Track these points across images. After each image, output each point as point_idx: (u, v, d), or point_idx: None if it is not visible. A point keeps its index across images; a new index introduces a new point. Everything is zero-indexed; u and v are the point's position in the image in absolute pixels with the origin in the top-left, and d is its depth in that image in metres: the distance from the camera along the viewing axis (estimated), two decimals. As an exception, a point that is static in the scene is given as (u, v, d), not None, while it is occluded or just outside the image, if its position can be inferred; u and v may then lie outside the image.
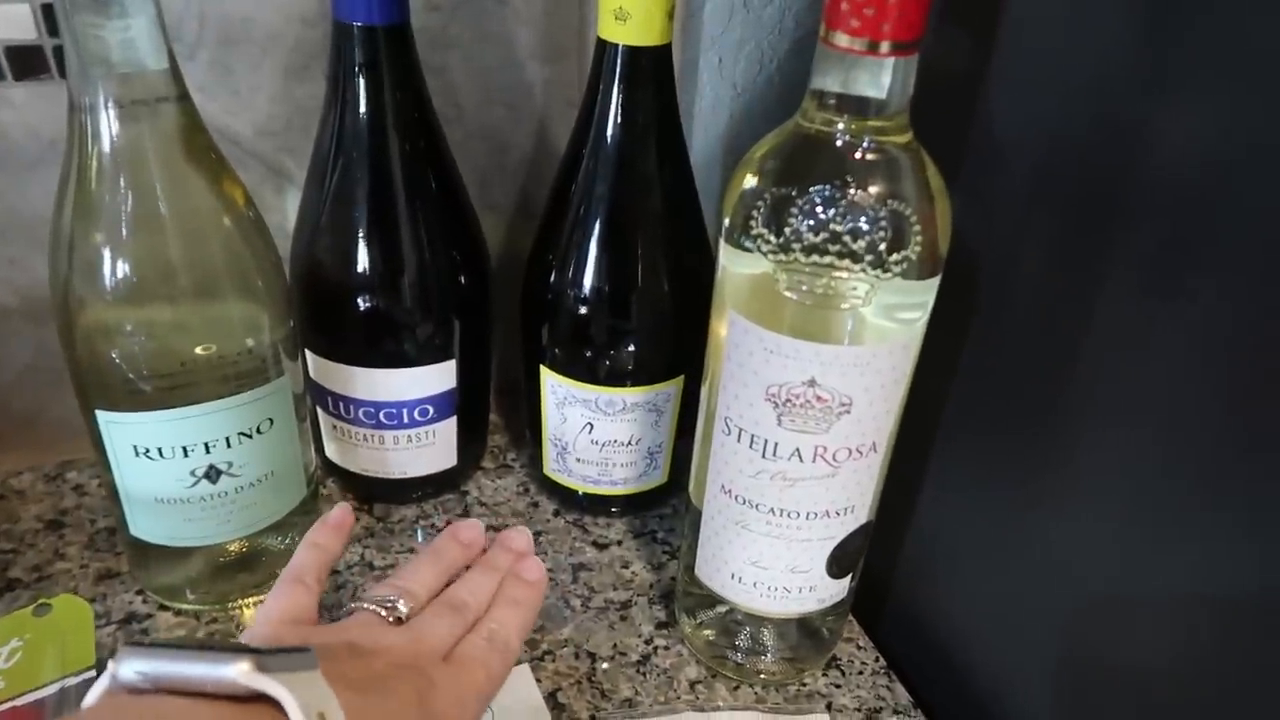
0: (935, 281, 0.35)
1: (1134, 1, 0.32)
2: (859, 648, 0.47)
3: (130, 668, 0.26)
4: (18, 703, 0.34)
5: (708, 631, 0.46)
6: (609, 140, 0.45)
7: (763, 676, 0.45)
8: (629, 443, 0.50)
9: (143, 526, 0.44)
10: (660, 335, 0.48)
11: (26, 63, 0.45)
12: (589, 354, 0.48)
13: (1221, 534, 0.31)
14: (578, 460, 0.51)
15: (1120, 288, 0.33)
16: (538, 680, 0.44)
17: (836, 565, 0.41)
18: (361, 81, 0.43)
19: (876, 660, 0.47)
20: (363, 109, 0.44)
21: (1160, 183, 0.31)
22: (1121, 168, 0.33)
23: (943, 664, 0.46)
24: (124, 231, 0.38)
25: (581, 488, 0.52)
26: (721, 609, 0.45)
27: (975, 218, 0.39)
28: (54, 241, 0.39)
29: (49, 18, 0.44)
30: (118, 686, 0.26)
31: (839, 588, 0.42)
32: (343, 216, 0.46)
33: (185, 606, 0.46)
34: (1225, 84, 0.29)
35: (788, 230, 0.33)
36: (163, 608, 0.46)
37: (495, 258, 0.56)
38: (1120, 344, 0.34)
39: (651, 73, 0.44)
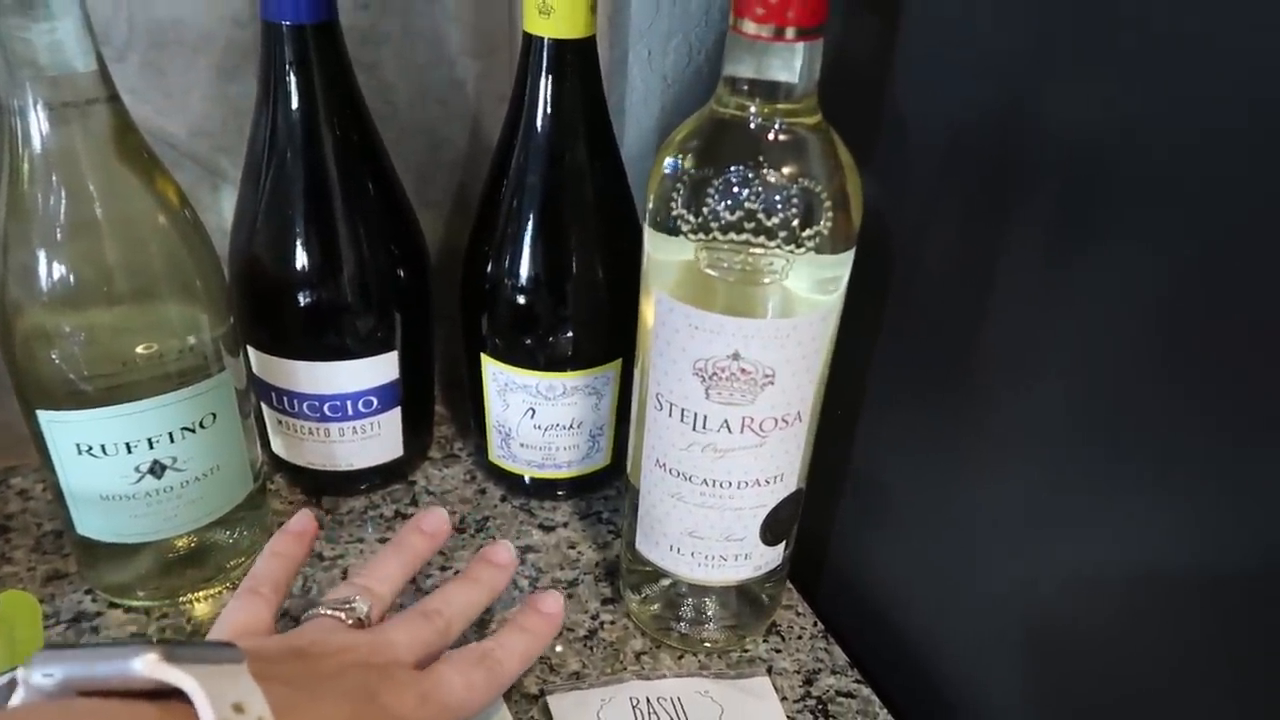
0: (849, 255, 0.37)
1: (1019, -15, 0.34)
2: (798, 614, 0.49)
3: (40, 672, 0.25)
4: (-34, 697, 0.34)
5: (652, 606, 0.47)
6: (538, 132, 0.46)
7: (706, 645, 0.47)
8: (571, 426, 0.51)
9: (89, 525, 0.44)
10: (596, 320, 0.49)
11: (-46, 68, 0.45)
12: (527, 341, 0.49)
13: (1132, 490, 0.33)
14: (521, 445, 0.52)
15: (1022, 255, 0.35)
16: (488, 659, 0.45)
17: (770, 533, 0.43)
18: (292, 80, 0.44)
19: (815, 625, 0.49)
20: (294, 107, 0.45)
21: (1054, 154, 0.33)
22: (1018, 141, 0.35)
23: (878, 625, 0.48)
24: (58, 234, 0.38)
25: (527, 472, 0.54)
26: (665, 582, 0.46)
27: (888, 193, 0.41)
28: (-13, 246, 0.39)
29: (-26, 23, 0.44)
30: (33, 693, 0.26)
31: (774, 555, 0.44)
32: (279, 214, 0.47)
33: (135, 603, 0.47)
34: (1112, 60, 0.31)
35: (705, 210, 0.35)
36: (112, 605, 0.47)
37: (435, 252, 0.57)
38: (1025, 308, 0.36)
39: (577, 65, 0.45)
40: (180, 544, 0.47)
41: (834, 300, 0.38)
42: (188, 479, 0.44)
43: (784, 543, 0.44)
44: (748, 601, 0.47)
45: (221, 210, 0.51)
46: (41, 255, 0.38)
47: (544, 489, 0.55)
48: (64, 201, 0.38)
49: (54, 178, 0.38)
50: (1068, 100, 0.33)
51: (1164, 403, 0.31)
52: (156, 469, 0.43)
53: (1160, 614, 0.33)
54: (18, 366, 0.41)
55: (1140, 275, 0.31)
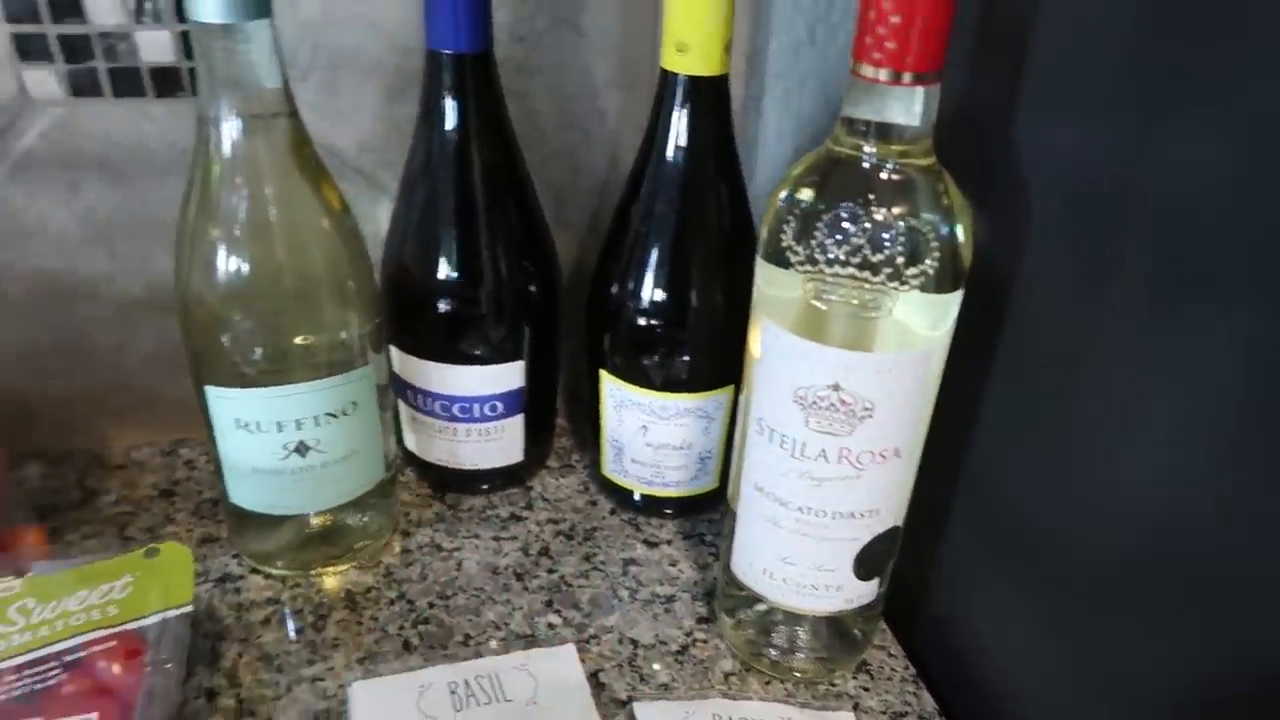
0: (957, 295, 0.38)
1: (1143, 34, 0.34)
2: (890, 654, 0.49)
3: None
4: (127, 627, 0.39)
5: (746, 630, 0.48)
6: (668, 163, 0.48)
7: (795, 674, 0.47)
8: (681, 446, 0.53)
9: (241, 494, 0.49)
10: (712, 346, 0.51)
11: (166, 82, 0.51)
12: (645, 361, 0.51)
13: (1238, 556, 0.32)
14: (633, 461, 0.55)
15: (1132, 304, 0.35)
16: (582, 660, 0.47)
17: (863, 567, 0.43)
18: (448, 104, 0.48)
19: (906, 668, 0.48)
20: (449, 129, 0.49)
21: (1168, 206, 0.33)
22: (1133, 191, 0.34)
23: (970, 677, 0.47)
24: (236, 231, 0.43)
25: (637, 488, 0.56)
26: (760, 608, 0.47)
27: (1002, 236, 0.41)
28: (178, 239, 0.44)
29: (186, 43, 0.50)
30: None
31: (866, 590, 0.44)
32: (428, 227, 0.51)
33: (274, 571, 0.51)
34: (1229, 116, 0.31)
35: (814, 243, 0.36)
36: (254, 571, 0.52)
37: (569, 271, 0.60)
38: (1134, 358, 0.35)
39: (710, 101, 0.47)
40: (317, 522, 0.51)
41: (939, 338, 0.38)
42: (327, 460, 0.48)
43: (878, 579, 0.44)
44: (840, 635, 0.47)
45: (379, 220, 0.56)
46: (221, 250, 0.43)
47: (652, 506, 0.57)
48: (244, 203, 0.43)
49: (238, 181, 0.43)
50: (1184, 153, 0.32)
51: (1267, 464, 0.30)
52: (301, 448, 0.47)
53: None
54: (193, 346, 0.46)
55: (1250, 335, 0.30)
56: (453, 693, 0.43)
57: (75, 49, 0.50)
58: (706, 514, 0.57)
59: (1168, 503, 0.35)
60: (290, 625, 0.48)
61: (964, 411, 0.45)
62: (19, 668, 0.38)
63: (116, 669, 0.38)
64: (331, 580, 0.51)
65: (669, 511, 0.57)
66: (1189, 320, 0.33)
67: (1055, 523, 0.41)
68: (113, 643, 0.39)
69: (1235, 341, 0.31)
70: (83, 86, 0.51)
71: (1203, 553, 0.33)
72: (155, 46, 0.51)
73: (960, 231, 0.37)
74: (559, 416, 0.64)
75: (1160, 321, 0.34)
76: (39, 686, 0.37)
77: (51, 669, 0.38)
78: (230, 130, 0.42)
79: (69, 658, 0.38)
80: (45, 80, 0.50)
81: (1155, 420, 0.35)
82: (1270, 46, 0.29)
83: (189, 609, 0.41)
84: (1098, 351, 0.37)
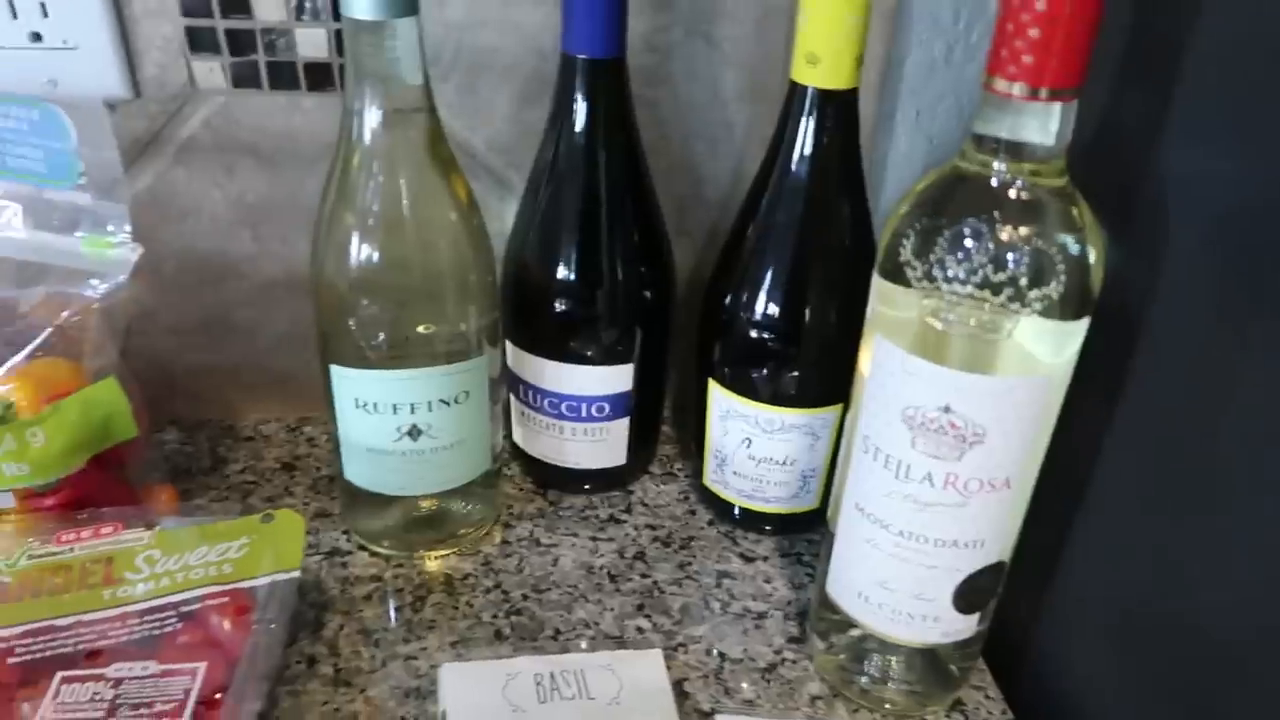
0: (1082, 323, 0.36)
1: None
2: (987, 696, 0.47)
3: None
4: (240, 586, 0.42)
5: (838, 655, 0.47)
6: (791, 175, 0.48)
7: (886, 705, 0.46)
8: (784, 462, 0.53)
9: (355, 472, 0.51)
10: (822, 363, 0.50)
11: (318, 77, 0.54)
12: (753, 373, 0.51)
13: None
14: (735, 473, 0.54)
15: (1275, 343, 0.33)
16: (668, 667, 0.47)
17: (963, 600, 0.41)
18: (579, 107, 0.49)
19: (1004, 713, 0.46)
20: (577, 132, 0.50)
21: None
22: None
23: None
24: (370, 220, 0.45)
25: (737, 501, 0.55)
26: (854, 634, 0.46)
27: (1140, 263, 0.39)
28: (316, 225, 0.47)
29: (339, 40, 0.53)
30: None
31: (965, 624, 0.43)
32: (549, 227, 0.52)
33: (380, 550, 0.53)
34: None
35: (932, 259, 0.35)
36: (361, 548, 0.54)
37: (685, 279, 0.61)
38: (1274, 403, 0.33)
39: (838, 115, 0.47)
40: (424, 505, 0.53)
41: (1060, 366, 0.37)
42: (437, 446, 0.49)
43: (978, 614, 0.43)
44: (936, 669, 0.46)
45: (505, 218, 0.57)
46: (354, 236, 0.45)
47: (751, 521, 0.56)
48: (378, 192, 0.45)
49: (374, 171, 0.45)
50: None
51: None
52: (414, 432, 0.49)
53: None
54: (322, 326, 0.48)
55: None
56: (538, 684, 0.44)
57: (240, 43, 0.53)
58: (806, 533, 0.56)
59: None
60: (391, 603, 0.50)
61: (1088, 447, 0.43)
62: (141, 613, 0.40)
63: (226, 624, 0.40)
64: (433, 564, 0.53)
65: (768, 528, 0.56)
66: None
67: (1183, 583, 0.39)
68: (225, 599, 0.41)
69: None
70: (243, 78, 0.54)
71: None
72: (311, 43, 0.54)
73: (1091, 256, 0.35)
74: (665, 424, 0.64)
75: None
76: (157, 632, 0.40)
77: (169, 617, 0.40)
78: (371, 122, 0.44)
79: (185, 609, 0.40)
80: (211, 71, 0.54)
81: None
82: None
83: (296, 574, 0.43)
84: (1243, 393, 0.35)
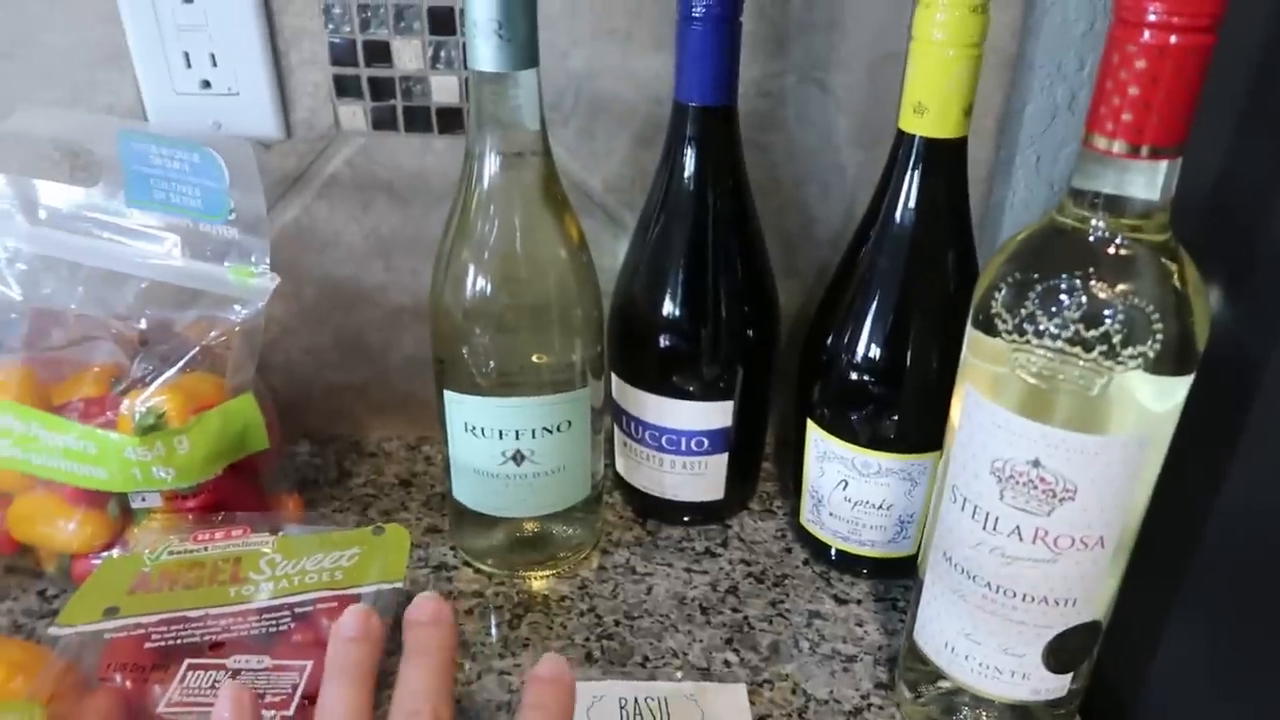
0: (1182, 381, 0.35)
1: None
2: (1082, 759, 0.45)
3: None
4: (349, 592, 0.45)
5: (928, 707, 0.46)
6: (896, 222, 0.48)
7: (972, 755, 0.45)
8: (880, 506, 0.52)
9: (462, 492, 0.54)
10: (921, 409, 0.50)
11: (449, 120, 0.58)
12: (852, 415, 0.51)
13: None
14: (830, 514, 0.54)
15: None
16: (752, 703, 0.47)
17: (1054, 658, 0.41)
18: (689, 152, 0.51)
19: (1099, 778, 0.45)
20: (686, 175, 0.52)
21: None
22: None
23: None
24: (486, 255, 0.48)
25: (833, 543, 0.55)
26: (945, 686, 0.45)
27: (1253, 324, 0.38)
28: (437, 257, 0.50)
29: (468, 87, 0.57)
30: None
31: (1057, 684, 0.42)
32: (656, 265, 0.54)
33: (484, 568, 0.56)
34: None
35: (1023, 312, 0.35)
36: (466, 565, 0.56)
37: (792, 318, 0.61)
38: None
39: (945, 164, 0.47)
40: (527, 527, 0.55)
41: (1158, 424, 0.36)
42: (539, 471, 0.52)
43: (1071, 674, 0.42)
44: (1026, 729, 0.44)
45: (618, 254, 0.59)
46: (471, 270, 0.48)
47: (847, 563, 0.56)
48: (494, 229, 0.48)
49: (491, 210, 0.47)
50: None
51: None
52: (518, 457, 0.51)
53: None
54: (438, 353, 0.51)
55: None
56: (621, 707, 0.45)
57: (380, 89, 0.58)
58: (903, 579, 0.56)
59: None
60: (490, 619, 0.52)
61: (1198, 510, 0.41)
62: (261, 611, 0.44)
63: (335, 627, 0.43)
64: (532, 584, 0.55)
65: (864, 570, 0.56)
66: None
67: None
68: (335, 603, 0.44)
69: None
70: (382, 121, 0.58)
71: None
72: (444, 89, 0.57)
73: (1192, 312, 0.34)
74: (767, 461, 0.65)
75: None
76: (272, 630, 0.43)
77: (283, 617, 0.43)
78: (491, 164, 0.47)
79: (299, 610, 0.44)
80: (355, 114, 0.58)
81: None
82: None
83: (400, 585, 0.46)
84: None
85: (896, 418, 0.51)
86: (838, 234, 0.61)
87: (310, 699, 0.39)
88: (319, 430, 0.68)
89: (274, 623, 0.43)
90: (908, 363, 0.50)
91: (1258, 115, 0.39)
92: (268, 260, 0.50)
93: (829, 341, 0.52)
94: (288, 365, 0.65)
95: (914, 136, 0.47)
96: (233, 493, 0.51)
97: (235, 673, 0.40)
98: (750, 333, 0.55)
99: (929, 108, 0.46)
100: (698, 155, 0.52)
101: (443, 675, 0.34)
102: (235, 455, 0.51)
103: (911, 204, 0.48)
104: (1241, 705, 0.40)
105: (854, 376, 0.51)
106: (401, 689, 0.34)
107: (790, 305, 0.61)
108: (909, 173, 0.48)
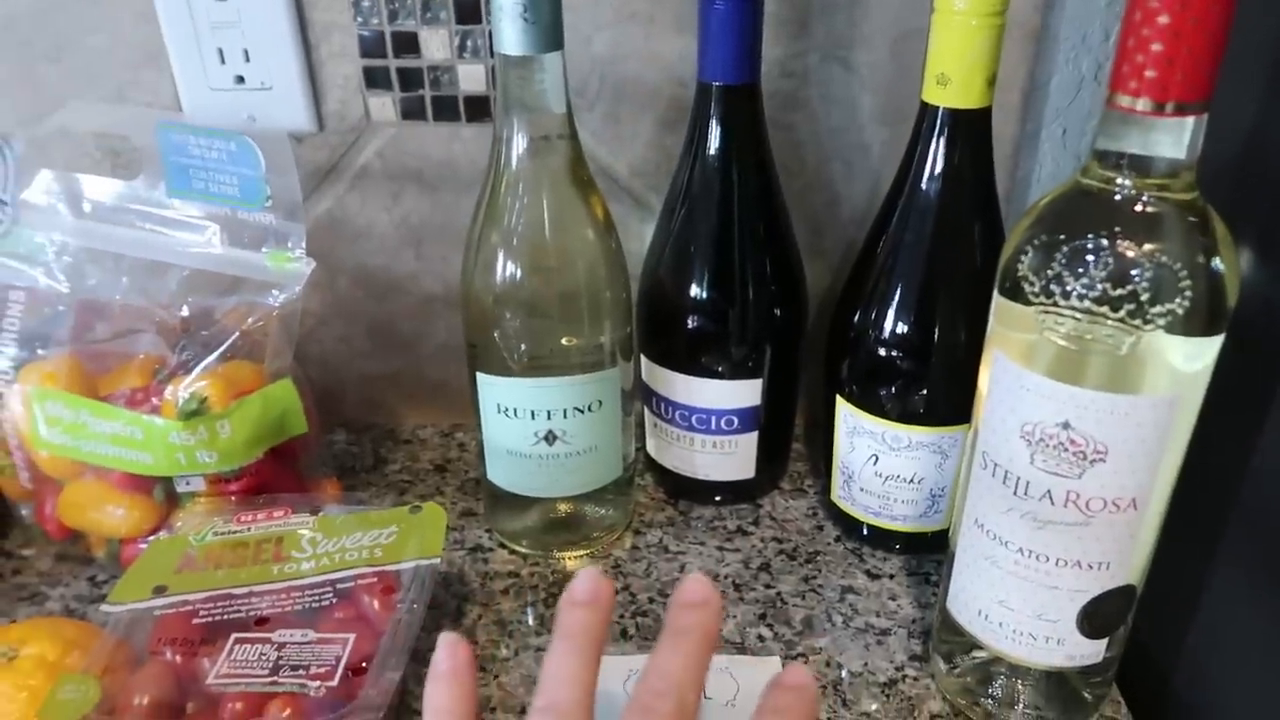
0: (1213, 340, 0.35)
1: None
2: (1120, 727, 0.45)
3: None
4: (387, 568, 0.46)
5: (964, 677, 0.47)
6: (922, 194, 0.49)
7: (1002, 728, 0.45)
8: (911, 480, 0.53)
9: (497, 474, 0.55)
10: (950, 381, 0.50)
11: (476, 109, 0.59)
12: (881, 391, 0.52)
13: None
14: (861, 490, 0.55)
15: None
16: (786, 675, 0.48)
17: (1089, 623, 0.40)
18: (713, 131, 0.52)
19: (1135, 747, 0.45)
20: (710, 155, 0.52)
21: None
22: None
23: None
24: (514, 239, 0.49)
25: (864, 518, 0.56)
26: (980, 655, 0.45)
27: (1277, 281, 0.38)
28: (467, 243, 0.51)
29: (494, 75, 0.58)
30: None
31: (1093, 649, 0.42)
32: (682, 247, 0.54)
33: (519, 549, 0.57)
34: None
35: (1050, 274, 0.35)
36: (501, 546, 0.57)
37: (819, 297, 0.62)
38: None
39: (969, 135, 0.47)
40: (561, 508, 0.56)
41: (1189, 384, 0.36)
42: (571, 451, 0.52)
43: (1106, 639, 0.42)
44: (1065, 695, 0.44)
45: (645, 238, 0.60)
46: (501, 253, 0.49)
47: (879, 539, 0.56)
48: (523, 213, 0.48)
49: (520, 193, 0.48)
50: None
51: None
52: (550, 437, 0.52)
53: None
54: (470, 337, 0.52)
55: None
56: (657, 680, 0.45)
57: (409, 79, 0.59)
58: (935, 553, 0.56)
59: None
60: (526, 598, 0.53)
61: (1234, 471, 0.41)
62: (304, 587, 0.45)
63: (375, 603, 0.44)
64: (566, 563, 0.56)
65: (896, 546, 0.56)
66: None
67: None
68: (374, 579, 0.45)
69: None
70: (411, 111, 0.59)
71: None
72: (471, 78, 0.58)
73: (1221, 270, 0.34)
74: (798, 440, 0.65)
75: None
76: (315, 605, 0.44)
77: (326, 593, 0.44)
78: (518, 148, 0.47)
79: (340, 586, 0.45)
80: (385, 105, 0.59)
81: None
82: None
83: (437, 561, 0.47)
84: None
85: (925, 391, 0.51)
86: (863, 212, 0.61)
87: (353, 670, 0.40)
88: (355, 419, 0.69)
89: (316, 598, 0.44)
90: (936, 335, 0.50)
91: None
92: (304, 245, 0.51)
93: (856, 317, 0.52)
94: (322, 355, 0.66)
95: (938, 108, 0.47)
96: (274, 476, 0.52)
97: (281, 645, 0.42)
98: (777, 311, 0.55)
99: (952, 78, 0.46)
100: (722, 135, 0.52)
101: (698, 659, 0.32)
102: (275, 439, 0.52)
103: (937, 176, 0.48)
104: (1269, 672, 0.39)
105: (882, 351, 0.51)
106: (651, 665, 0.32)
107: (818, 284, 0.61)
108: (933, 145, 0.48)
